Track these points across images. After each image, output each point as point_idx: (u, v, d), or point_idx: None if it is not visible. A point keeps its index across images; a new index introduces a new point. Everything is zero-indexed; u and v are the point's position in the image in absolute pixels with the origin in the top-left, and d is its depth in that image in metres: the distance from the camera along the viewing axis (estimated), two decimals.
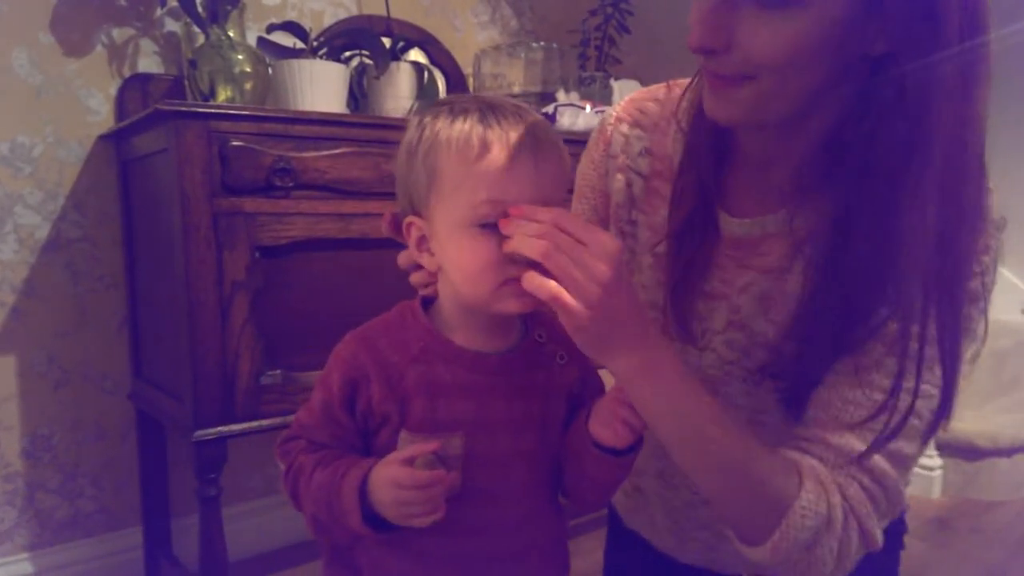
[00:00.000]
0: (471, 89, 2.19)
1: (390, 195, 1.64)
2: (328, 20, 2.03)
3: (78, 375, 1.73)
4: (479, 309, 0.69)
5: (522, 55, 2.06)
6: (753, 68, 0.63)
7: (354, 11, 2.07)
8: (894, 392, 0.64)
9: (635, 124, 0.86)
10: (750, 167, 0.78)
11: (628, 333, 0.62)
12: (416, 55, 2.03)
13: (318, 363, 1.45)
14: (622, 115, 0.87)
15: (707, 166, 0.77)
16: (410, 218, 0.70)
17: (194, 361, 1.35)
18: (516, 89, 2.10)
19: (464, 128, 0.65)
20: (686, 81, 0.83)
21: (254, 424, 1.41)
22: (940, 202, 0.61)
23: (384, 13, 2.01)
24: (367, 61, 1.84)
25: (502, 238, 0.63)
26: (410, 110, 1.83)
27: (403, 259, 0.80)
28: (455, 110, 0.67)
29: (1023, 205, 2.69)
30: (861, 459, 0.66)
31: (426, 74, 1.87)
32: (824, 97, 0.66)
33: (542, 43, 2.11)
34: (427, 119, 0.68)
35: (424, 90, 1.86)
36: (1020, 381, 2.72)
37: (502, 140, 0.64)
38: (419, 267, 0.75)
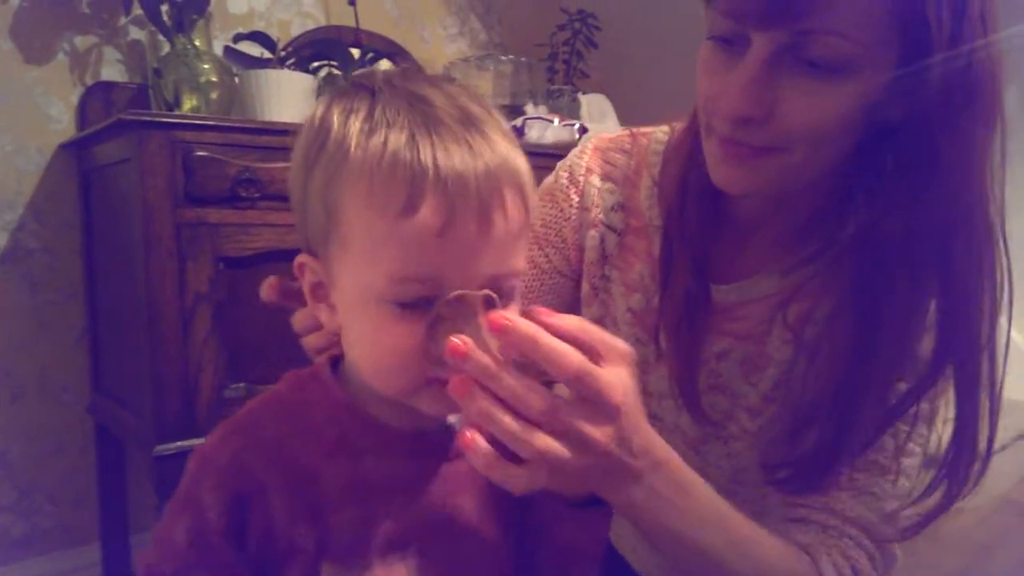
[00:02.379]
0: None
1: None
2: (296, 30, 2.02)
3: (35, 388, 1.69)
4: (386, 395, 0.52)
5: (491, 67, 2.07)
6: (788, 140, 0.59)
7: (322, 22, 2.06)
8: (897, 455, 0.65)
9: (606, 177, 0.81)
10: (736, 232, 0.74)
11: (639, 460, 0.51)
12: (385, 66, 2.04)
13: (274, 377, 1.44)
14: (592, 166, 0.82)
15: (700, 238, 0.72)
16: (302, 257, 0.53)
17: (155, 374, 1.33)
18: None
19: (387, 152, 0.45)
20: (650, 130, 0.81)
21: None
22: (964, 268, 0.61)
23: (353, 24, 2.01)
24: (336, 72, 1.84)
25: (429, 319, 0.47)
26: None
27: (300, 320, 0.65)
28: (377, 112, 0.47)
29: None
30: (869, 526, 0.65)
31: None
32: (838, 164, 0.64)
33: (511, 56, 2.12)
34: (335, 114, 0.49)
35: None
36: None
37: (441, 186, 0.45)
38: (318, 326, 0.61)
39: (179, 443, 1.34)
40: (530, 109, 2.05)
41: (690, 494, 0.56)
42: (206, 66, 1.55)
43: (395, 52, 2.12)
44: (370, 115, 0.47)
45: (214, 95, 1.56)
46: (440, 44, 2.31)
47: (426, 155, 0.45)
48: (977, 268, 0.62)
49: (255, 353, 1.43)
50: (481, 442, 0.45)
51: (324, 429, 0.52)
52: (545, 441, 0.45)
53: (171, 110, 1.54)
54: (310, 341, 0.65)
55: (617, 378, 0.48)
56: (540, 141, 1.88)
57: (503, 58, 2.07)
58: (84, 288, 1.70)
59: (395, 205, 0.45)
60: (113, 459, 1.72)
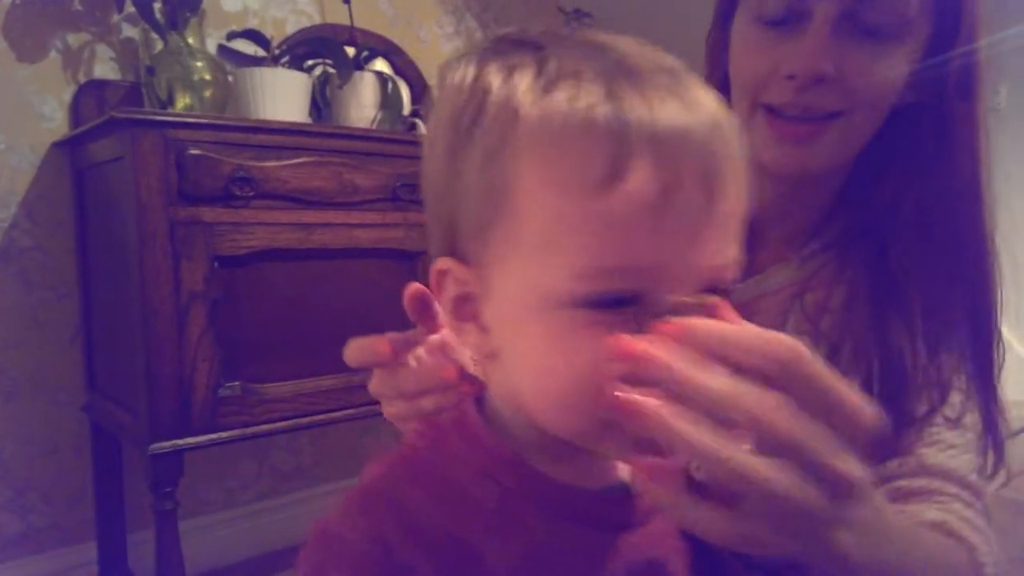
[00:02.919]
0: None
1: (353, 205, 1.67)
2: (291, 28, 2.01)
3: (29, 386, 1.68)
4: (559, 435, 0.40)
5: None
6: (853, 102, 0.62)
7: (317, 20, 2.06)
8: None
9: None
10: (754, 225, 0.75)
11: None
12: (380, 65, 2.03)
13: (278, 374, 1.45)
14: None
15: None
16: (444, 262, 0.41)
17: (150, 372, 1.33)
18: None
19: (576, 108, 0.35)
20: None
21: (212, 436, 1.39)
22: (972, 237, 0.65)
23: (348, 22, 2.00)
24: (330, 70, 1.84)
25: (632, 329, 0.35)
26: (374, 120, 1.83)
27: (382, 382, 0.53)
28: (551, 64, 0.37)
29: None
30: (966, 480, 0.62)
31: (390, 84, 1.87)
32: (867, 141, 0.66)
33: None
34: (490, 73, 0.38)
35: (388, 100, 1.86)
36: None
37: (656, 146, 0.34)
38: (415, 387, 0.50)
39: (174, 441, 1.34)
40: None
41: (885, 514, 0.43)
42: (199, 64, 1.55)
43: (391, 50, 2.12)
44: (542, 69, 0.37)
45: (208, 93, 1.56)
46: (436, 43, 2.31)
47: (632, 107, 0.34)
48: (986, 248, 0.66)
49: (250, 351, 1.43)
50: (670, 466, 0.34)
51: (481, 494, 0.40)
52: (769, 468, 0.32)
53: (164, 108, 1.54)
54: (395, 410, 0.52)
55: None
56: None
57: None
58: (78, 287, 1.70)
59: (594, 174, 0.34)
60: (108, 457, 1.72)
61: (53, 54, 1.67)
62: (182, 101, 1.54)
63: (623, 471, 0.45)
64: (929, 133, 0.64)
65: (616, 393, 0.33)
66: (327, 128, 1.66)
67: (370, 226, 1.54)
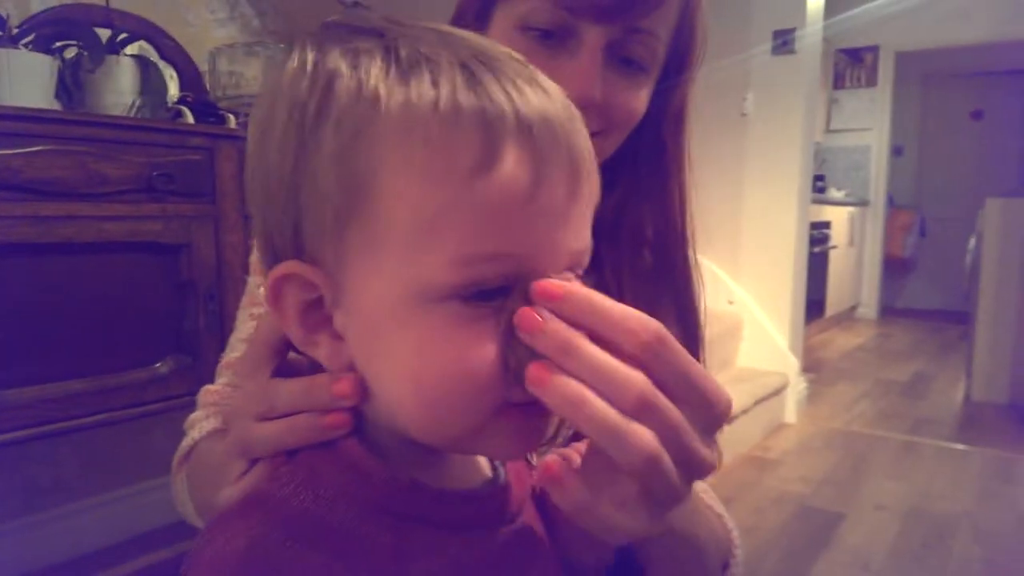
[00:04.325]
0: (208, 88, 2.10)
1: (102, 197, 1.57)
2: (36, 6, 1.85)
3: None
4: (433, 443, 0.38)
5: (260, 53, 2.02)
6: (607, 125, 0.64)
7: None
8: None
9: None
10: None
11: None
12: (143, 49, 1.92)
13: (17, 379, 1.34)
14: None
15: None
16: (288, 266, 0.37)
17: None
18: (256, 88, 2.05)
19: (441, 96, 0.34)
20: None
21: None
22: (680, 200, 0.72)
23: (103, 2, 1.88)
24: (84, 53, 1.72)
25: (505, 317, 0.35)
26: (132, 107, 1.73)
27: (243, 402, 0.43)
28: (403, 51, 0.36)
29: (726, 208, 3.11)
30: None
31: (152, 69, 1.78)
32: None
33: (282, 45, 2.09)
34: (335, 60, 0.36)
35: (149, 85, 1.77)
36: (729, 363, 3.12)
37: (525, 132, 0.35)
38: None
39: None
40: None
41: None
42: None
43: (154, 34, 2.01)
44: (394, 55, 0.35)
45: None
46: (207, 28, 2.22)
47: (496, 94, 0.34)
48: (688, 256, 0.73)
49: None
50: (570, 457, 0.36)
51: (375, 531, 0.37)
52: (654, 442, 0.34)
53: None
54: (267, 431, 0.41)
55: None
56: None
57: (272, 45, 2.03)
58: None
59: (465, 161, 0.33)
60: None
61: None
62: None
63: (482, 466, 0.44)
64: (648, 153, 0.71)
65: (533, 367, 0.33)
66: (69, 115, 1.55)
67: (122, 219, 1.47)
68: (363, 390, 0.38)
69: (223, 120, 1.83)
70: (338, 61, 0.36)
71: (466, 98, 0.34)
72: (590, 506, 0.36)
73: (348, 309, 0.37)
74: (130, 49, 1.83)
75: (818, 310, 5.14)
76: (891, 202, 6.52)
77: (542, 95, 0.36)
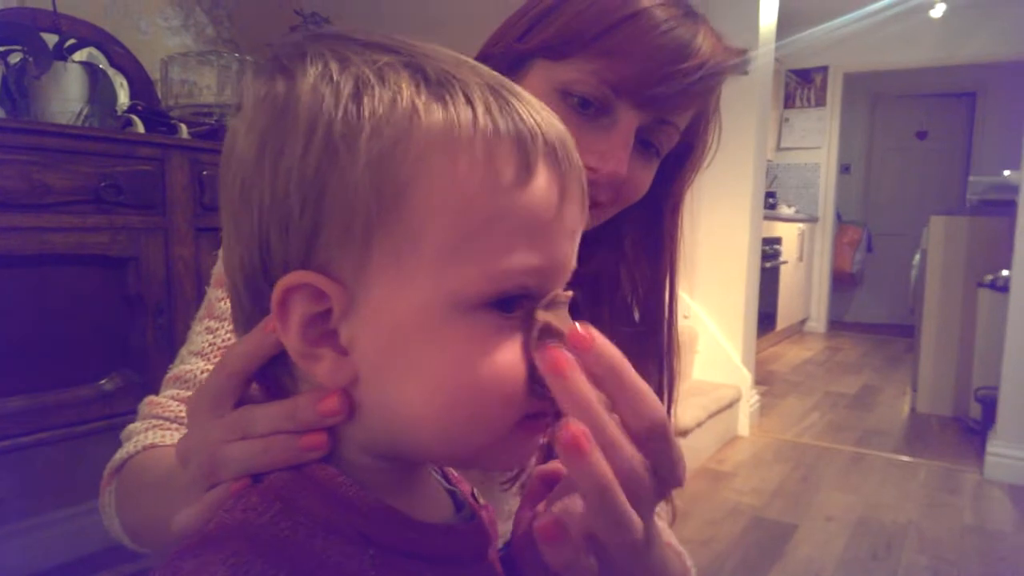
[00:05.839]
0: (159, 97, 2.06)
1: (46, 207, 1.51)
2: None
3: None
4: (448, 457, 0.40)
5: (215, 62, 1.99)
6: (617, 199, 0.68)
7: (13, 3, 1.86)
8: None
9: None
10: None
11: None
12: (92, 56, 1.88)
13: None
14: None
15: None
16: (301, 276, 0.36)
17: None
18: (210, 98, 2.02)
19: (476, 113, 0.35)
20: None
21: None
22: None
23: (50, 7, 1.83)
24: (29, 59, 1.66)
25: (535, 328, 0.37)
26: (80, 115, 1.68)
27: (223, 426, 0.41)
28: (429, 69, 0.36)
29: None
30: None
31: (101, 76, 1.74)
32: None
33: (236, 54, 2.06)
34: (359, 71, 0.36)
35: (98, 93, 1.72)
36: (684, 376, 3.15)
37: (550, 151, 0.37)
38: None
39: None
40: None
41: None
42: None
43: (104, 41, 1.97)
44: (420, 73, 0.36)
45: None
46: (160, 36, 2.18)
47: (523, 116, 0.36)
48: (671, 317, 0.77)
49: None
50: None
51: (356, 565, 0.36)
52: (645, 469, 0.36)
53: None
54: (237, 451, 0.39)
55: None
56: None
57: (226, 55, 2.00)
58: None
59: (507, 176, 0.35)
60: None
61: None
62: None
63: (445, 497, 0.44)
64: (644, 223, 0.75)
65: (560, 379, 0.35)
66: (13, 123, 1.50)
67: (67, 230, 1.42)
68: (350, 408, 0.37)
69: (175, 130, 1.79)
70: (364, 72, 0.36)
71: (501, 117, 0.36)
72: (577, 562, 0.37)
73: (363, 321, 0.36)
74: (78, 56, 1.78)
75: (769, 324, 5.24)
76: (839, 218, 6.69)
77: (552, 117, 0.38)
